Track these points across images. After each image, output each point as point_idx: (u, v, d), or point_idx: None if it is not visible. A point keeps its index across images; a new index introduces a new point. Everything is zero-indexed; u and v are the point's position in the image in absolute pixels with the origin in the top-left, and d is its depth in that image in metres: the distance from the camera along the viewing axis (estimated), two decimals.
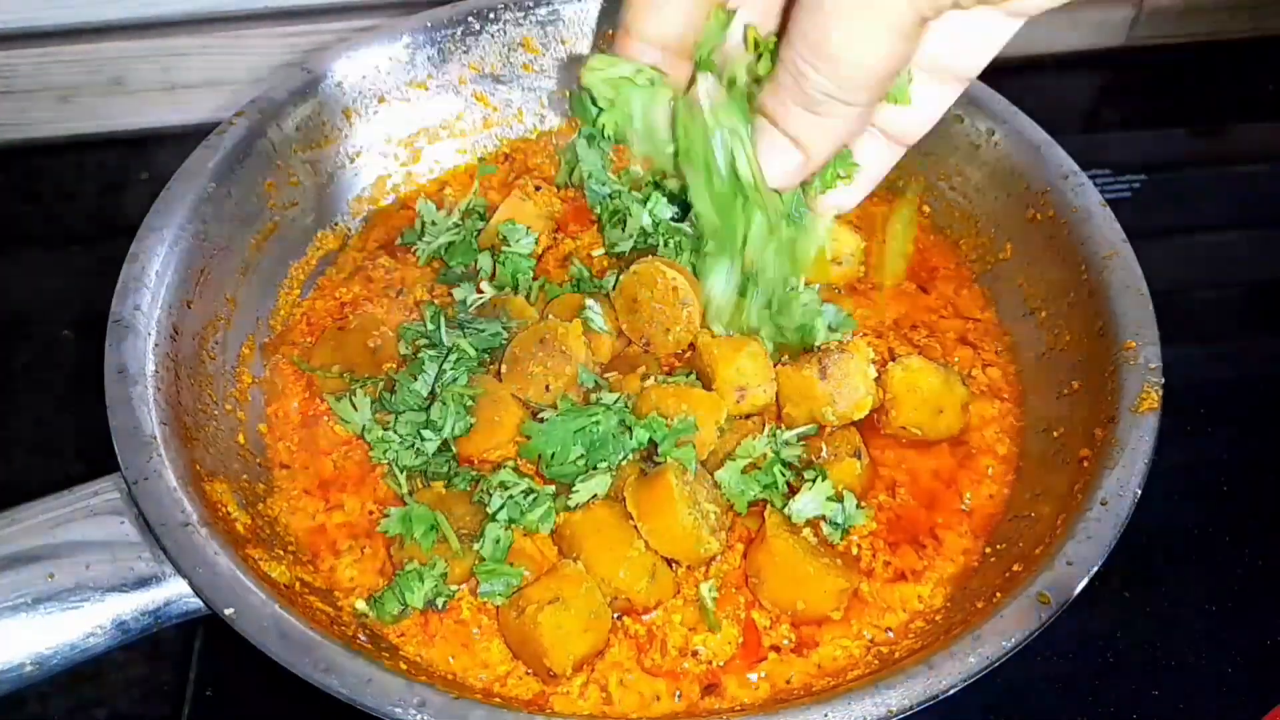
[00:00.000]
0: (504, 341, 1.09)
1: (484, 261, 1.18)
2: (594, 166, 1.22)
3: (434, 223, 1.23)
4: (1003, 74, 1.22)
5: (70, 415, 1.22)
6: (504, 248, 1.18)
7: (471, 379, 1.08)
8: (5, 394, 1.28)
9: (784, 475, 1.01)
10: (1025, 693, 1.04)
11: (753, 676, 0.95)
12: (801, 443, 1.04)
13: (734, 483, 1.00)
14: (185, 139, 1.15)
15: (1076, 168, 1.16)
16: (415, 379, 1.07)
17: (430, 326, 1.10)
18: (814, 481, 1.00)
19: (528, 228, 1.19)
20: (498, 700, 0.89)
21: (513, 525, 0.99)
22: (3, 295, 1.39)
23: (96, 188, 1.51)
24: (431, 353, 1.08)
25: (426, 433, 1.04)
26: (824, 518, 1.00)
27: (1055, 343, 1.11)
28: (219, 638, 1.05)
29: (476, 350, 1.09)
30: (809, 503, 0.99)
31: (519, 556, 0.99)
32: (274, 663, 0.82)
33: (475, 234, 1.22)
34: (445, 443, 1.04)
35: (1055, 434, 1.05)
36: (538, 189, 1.28)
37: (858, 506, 1.01)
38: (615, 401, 1.03)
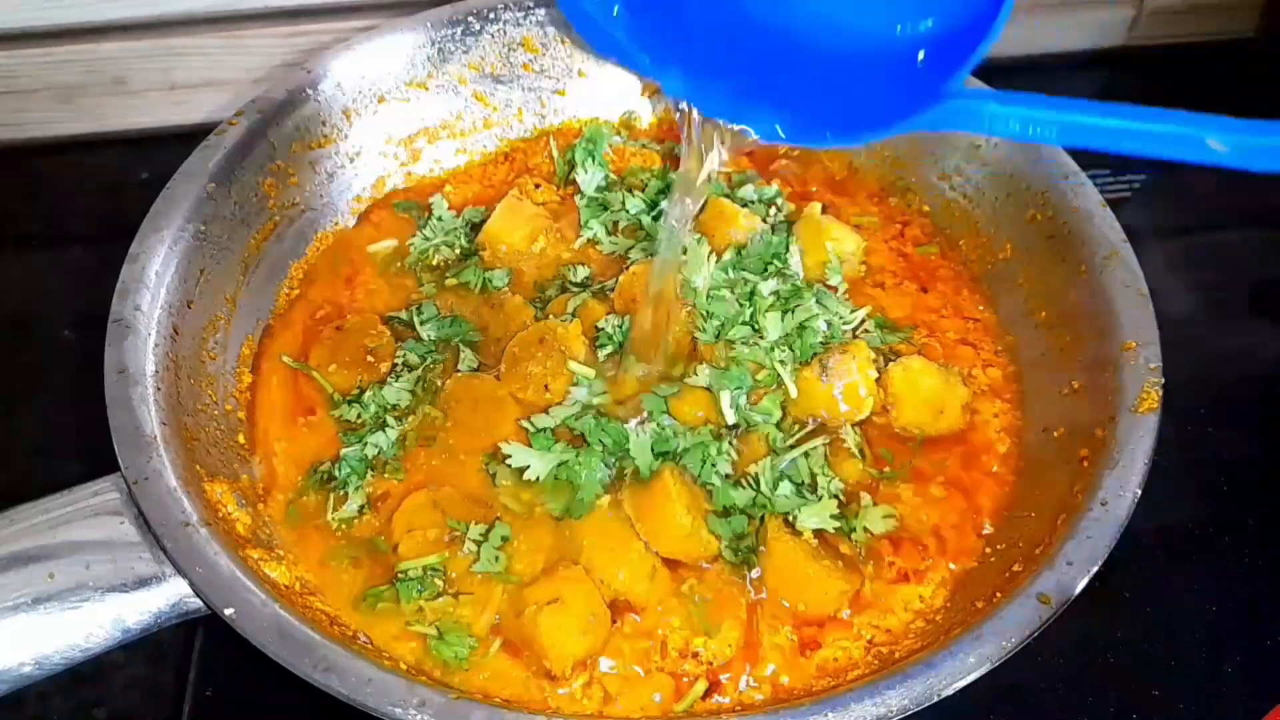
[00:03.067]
0: (468, 333, 1.11)
1: (472, 275, 1.18)
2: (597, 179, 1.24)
3: (440, 219, 1.23)
4: (1003, 74, 1.22)
5: (70, 416, 1.22)
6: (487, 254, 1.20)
7: (471, 379, 1.08)
8: (5, 394, 1.28)
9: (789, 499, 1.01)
10: (1025, 693, 1.04)
11: (753, 677, 0.95)
12: (808, 455, 1.04)
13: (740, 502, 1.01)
14: (185, 139, 1.15)
15: (1077, 168, 1.16)
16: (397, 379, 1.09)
17: (405, 316, 1.13)
18: (819, 494, 1.01)
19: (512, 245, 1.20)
20: (498, 700, 0.89)
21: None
22: (2, 295, 1.38)
23: (96, 188, 1.50)
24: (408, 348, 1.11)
25: (389, 419, 1.05)
26: (834, 530, 1.00)
27: (1055, 343, 1.11)
28: (219, 638, 1.04)
29: (432, 339, 1.11)
30: (811, 516, 0.99)
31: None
32: (274, 663, 0.82)
33: (467, 235, 1.22)
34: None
35: (1055, 434, 1.05)
36: (537, 187, 1.29)
37: (884, 517, 1.01)
38: (603, 426, 1.02)
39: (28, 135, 1.53)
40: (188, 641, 1.06)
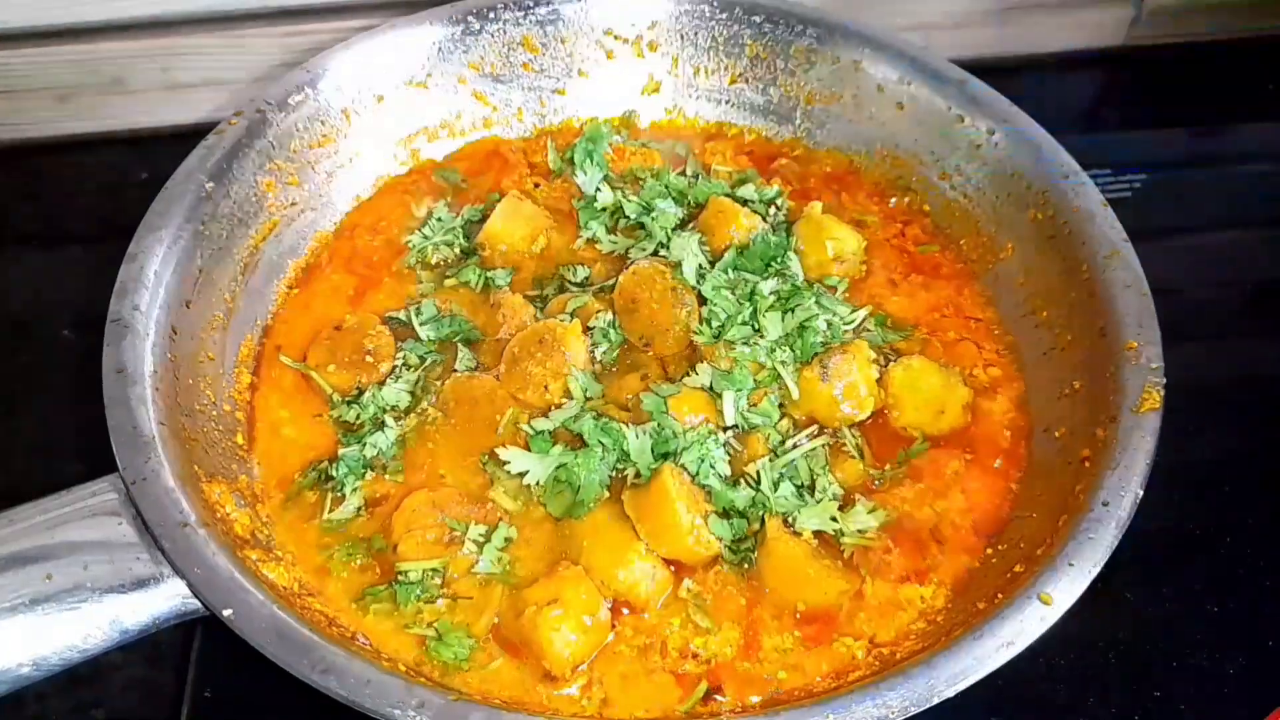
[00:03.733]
0: (468, 332, 1.11)
1: (472, 274, 1.18)
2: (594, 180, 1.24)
3: (439, 218, 1.23)
4: (1003, 74, 1.23)
5: (70, 416, 1.22)
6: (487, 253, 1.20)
7: (470, 379, 1.08)
8: (4, 394, 1.27)
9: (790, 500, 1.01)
10: (1025, 693, 1.04)
11: (753, 678, 0.95)
12: (808, 456, 1.04)
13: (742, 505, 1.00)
14: (185, 139, 1.15)
15: (1078, 167, 1.15)
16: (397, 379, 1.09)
17: (404, 316, 1.14)
18: (818, 496, 1.01)
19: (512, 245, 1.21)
20: (497, 702, 0.89)
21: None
22: (2, 295, 1.38)
23: (96, 188, 1.50)
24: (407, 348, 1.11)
25: (388, 419, 1.05)
26: (833, 532, 1.00)
27: (1056, 342, 1.11)
28: (218, 639, 1.04)
29: (432, 339, 1.11)
30: (810, 518, 0.99)
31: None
32: (273, 665, 0.82)
33: (465, 234, 1.22)
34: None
35: (1056, 434, 1.05)
36: (536, 186, 1.29)
37: (869, 511, 1.01)
38: (602, 427, 1.02)
39: (28, 135, 1.53)
40: (186, 642, 1.06)
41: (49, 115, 1.51)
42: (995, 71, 1.23)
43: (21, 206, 1.49)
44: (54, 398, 1.26)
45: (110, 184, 1.50)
